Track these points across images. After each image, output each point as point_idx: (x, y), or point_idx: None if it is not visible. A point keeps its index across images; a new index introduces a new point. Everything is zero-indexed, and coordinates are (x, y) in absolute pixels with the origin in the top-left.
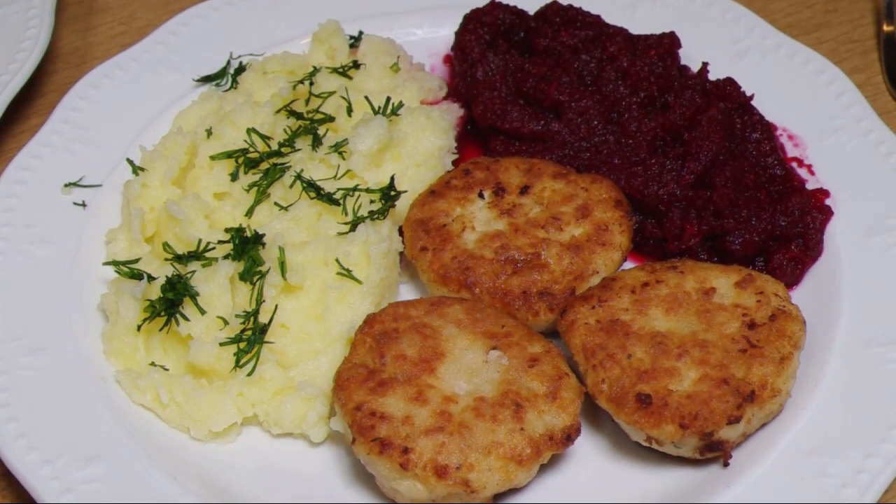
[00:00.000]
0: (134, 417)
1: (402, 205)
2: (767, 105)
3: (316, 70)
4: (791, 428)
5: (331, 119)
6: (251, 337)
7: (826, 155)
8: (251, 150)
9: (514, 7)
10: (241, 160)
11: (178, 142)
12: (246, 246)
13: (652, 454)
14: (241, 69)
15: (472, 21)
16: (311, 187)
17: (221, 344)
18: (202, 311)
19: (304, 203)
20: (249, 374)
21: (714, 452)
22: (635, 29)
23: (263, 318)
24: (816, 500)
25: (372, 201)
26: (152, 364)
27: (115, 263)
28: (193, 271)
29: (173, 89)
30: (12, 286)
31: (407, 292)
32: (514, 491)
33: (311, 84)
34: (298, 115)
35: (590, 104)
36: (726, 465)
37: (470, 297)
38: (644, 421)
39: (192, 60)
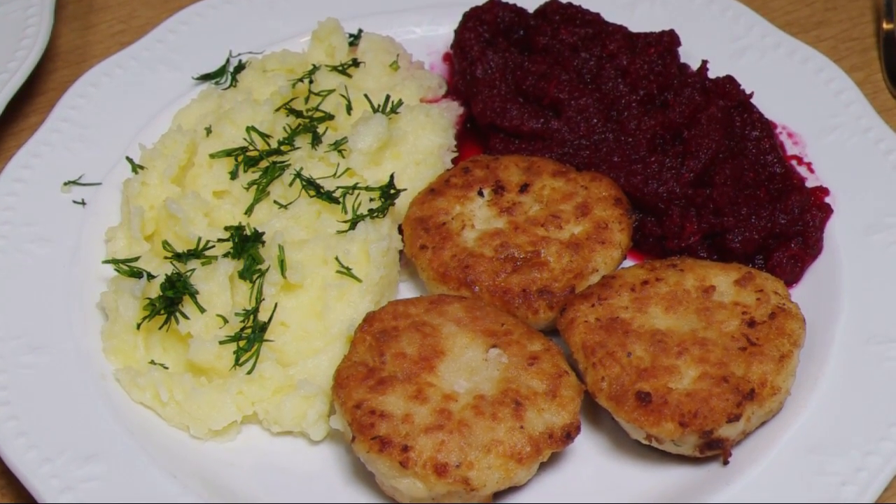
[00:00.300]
0: (133, 416)
1: (402, 203)
2: (767, 103)
3: (315, 68)
4: (791, 426)
5: (330, 117)
6: (251, 335)
7: (825, 153)
8: (251, 148)
9: (514, 5)
10: (240, 158)
11: (177, 140)
12: (245, 244)
13: (652, 452)
14: (240, 67)
15: (471, 19)
16: (311, 185)
17: (221, 342)
18: (202, 310)
19: (303, 201)
20: (249, 373)
21: (714, 450)
22: (635, 27)
23: (263, 317)
24: (816, 498)
25: (371, 199)
26: (152, 362)
27: (114, 262)
28: (193, 269)
29: (173, 87)
30: (12, 284)
31: (406, 290)
32: (513, 489)
33: (311, 82)
34: (298, 114)
35: (589, 102)
36: (726, 463)
37: (469, 295)
38: (644, 419)
39: (191, 59)
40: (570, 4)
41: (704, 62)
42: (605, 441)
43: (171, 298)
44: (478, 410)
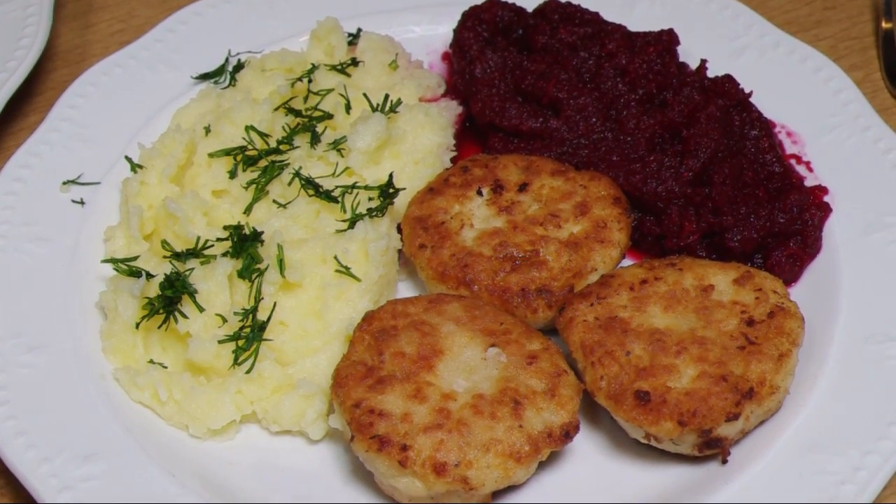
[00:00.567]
0: (132, 415)
1: (401, 202)
2: (766, 102)
3: (314, 67)
4: (789, 425)
5: (329, 116)
6: (250, 334)
7: (824, 152)
8: (250, 147)
9: (513, 4)
10: (239, 158)
11: (176, 139)
12: (244, 243)
13: (650, 451)
14: (239, 67)
15: (470, 18)
16: (310, 185)
17: (220, 341)
18: (201, 309)
19: (302, 200)
20: (248, 372)
21: (712, 449)
22: (634, 26)
23: (262, 316)
24: (815, 497)
25: (370, 198)
26: (151, 362)
27: (113, 261)
28: (192, 269)
29: (172, 87)
30: (11, 284)
31: (405, 290)
32: (512, 488)
33: (310, 81)
34: (297, 113)
35: (588, 101)
36: (725, 462)
37: (468, 294)
38: (642, 418)
39: (190, 58)
40: (568, 4)
41: (703, 61)
42: (604, 440)
43: (170, 298)
44: (477, 409)
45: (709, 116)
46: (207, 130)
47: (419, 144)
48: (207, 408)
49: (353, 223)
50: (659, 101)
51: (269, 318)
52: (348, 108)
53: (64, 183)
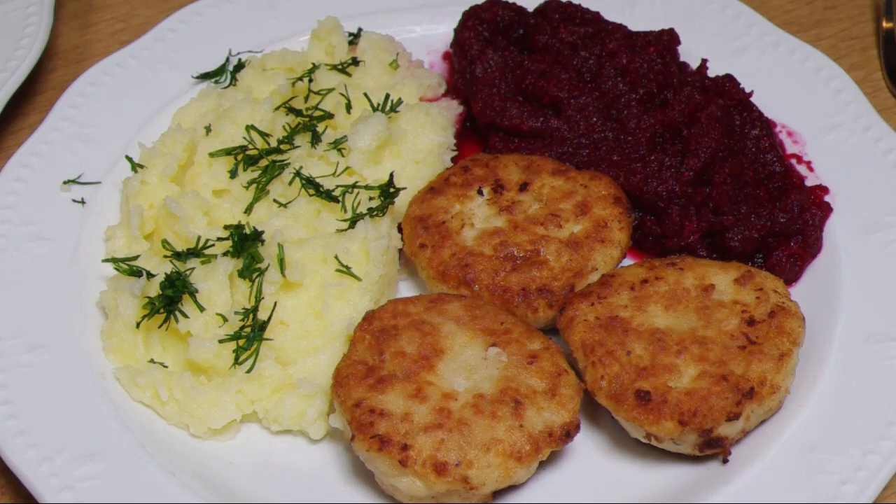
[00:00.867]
0: (133, 414)
1: (402, 202)
2: (766, 102)
3: (315, 67)
4: (790, 425)
5: (330, 116)
6: (250, 334)
7: (825, 151)
8: (250, 147)
9: (514, 4)
10: (240, 157)
11: (177, 139)
12: (245, 243)
13: (651, 451)
14: (239, 66)
15: (471, 18)
16: (311, 184)
17: (220, 341)
18: (201, 308)
19: (303, 200)
20: (248, 371)
21: (713, 449)
22: (634, 26)
23: (262, 315)
24: (816, 497)
25: (371, 198)
26: (151, 361)
27: (114, 260)
28: (192, 268)
29: (172, 86)
30: (11, 283)
31: (406, 289)
32: (513, 488)
33: (311, 81)
34: (297, 112)
35: (589, 101)
36: (725, 461)
37: (469, 293)
38: (643, 418)
39: (190, 57)
40: (569, 3)
41: (704, 61)
42: (605, 440)
43: (171, 297)
44: (477, 409)
45: (709, 116)
46: (208, 130)
47: (420, 144)
48: (208, 407)
49: (353, 223)
50: (659, 101)
51: (269, 318)
52: (349, 107)
53: (64, 182)
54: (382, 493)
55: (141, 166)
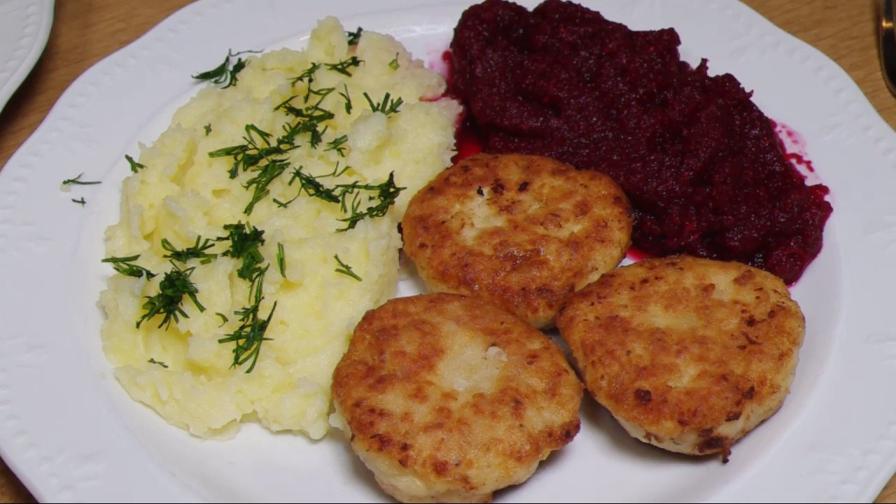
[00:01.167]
0: (133, 414)
1: (401, 201)
2: (766, 102)
3: (315, 67)
4: (790, 424)
5: (330, 116)
6: (250, 334)
7: (825, 151)
8: (250, 146)
9: (513, 3)
10: (240, 157)
11: (176, 139)
12: (245, 243)
13: (651, 451)
14: (239, 66)
15: (471, 17)
16: (310, 184)
17: (220, 341)
18: (201, 308)
19: (303, 200)
20: (248, 371)
21: (713, 449)
22: (634, 25)
23: (262, 315)
24: (816, 496)
25: (371, 198)
26: (151, 361)
27: (114, 260)
28: (192, 268)
29: (172, 86)
30: (11, 283)
31: (406, 289)
32: (513, 487)
33: (310, 81)
34: (297, 112)
35: (589, 101)
36: (725, 461)
37: (469, 293)
38: (643, 417)
39: (190, 57)
40: (569, 3)
41: (704, 61)
42: (605, 439)
43: (171, 297)
44: (477, 409)
45: (709, 116)
46: (208, 130)
47: (420, 144)
48: (208, 407)
49: (353, 222)
50: (659, 101)
51: (269, 318)
52: (349, 107)
53: (64, 182)
54: (382, 493)
55: (141, 166)
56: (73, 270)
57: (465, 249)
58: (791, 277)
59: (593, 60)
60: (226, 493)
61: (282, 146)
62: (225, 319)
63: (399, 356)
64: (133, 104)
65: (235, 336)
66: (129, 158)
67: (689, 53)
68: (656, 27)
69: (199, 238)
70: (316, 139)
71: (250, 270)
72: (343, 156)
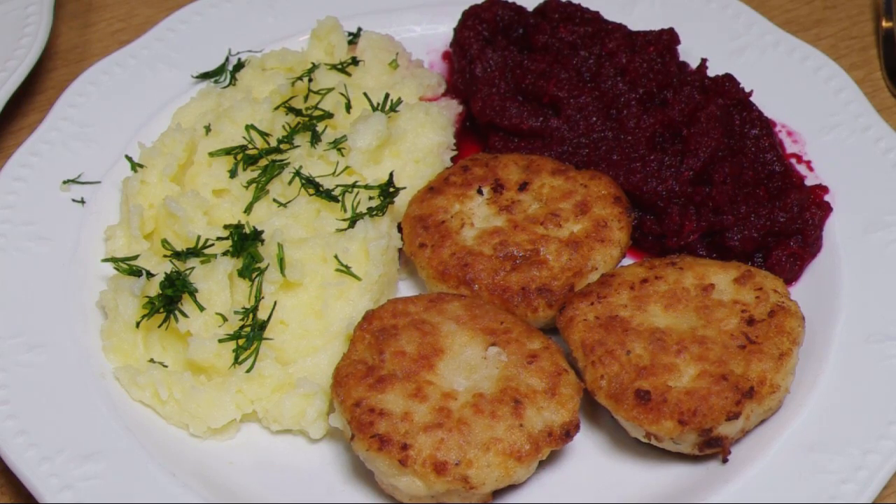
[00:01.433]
0: (133, 414)
1: (401, 201)
2: (766, 101)
3: (315, 67)
4: (790, 424)
5: (329, 116)
6: (250, 333)
7: (825, 151)
8: (250, 146)
9: (513, 3)
10: (239, 157)
11: (176, 139)
12: (245, 242)
13: (651, 450)
14: (239, 66)
15: (470, 17)
16: (310, 184)
17: (220, 340)
18: (201, 308)
19: (302, 200)
20: (248, 371)
21: (713, 448)
22: (634, 25)
23: (262, 315)
24: (815, 496)
25: (371, 198)
26: (151, 361)
27: (113, 260)
28: (192, 268)
29: (172, 86)
30: (11, 283)
31: (406, 289)
32: (512, 487)
33: (310, 81)
34: (297, 112)
35: (588, 101)
36: (725, 461)
37: (469, 293)
38: (643, 417)
39: (190, 57)
40: (569, 3)
41: (704, 60)
42: (605, 439)
43: (171, 297)
44: (477, 409)
45: (709, 116)
46: (208, 129)
47: (419, 143)
48: (208, 407)
49: (353, 222)
50: (659, 101)
51: (269, 318)
52: (349, 107)
53: (64, 182)
54: (382, 492)
55: (141, 166)
56: (73, 270)
57: (464, 249)
58: (791, 277)
59: (593, 60)
60: (226, 493)
61: (281, 146)
62: (225, 319)
63: (399, 356)
64: (133, 104)
65: (235, 336)
66: (128, 158)
67: (689, 53)
68: (656, 27)
69: (198, 238)
70: (316, 139)
71: (250, 270)
72: (343, 156)
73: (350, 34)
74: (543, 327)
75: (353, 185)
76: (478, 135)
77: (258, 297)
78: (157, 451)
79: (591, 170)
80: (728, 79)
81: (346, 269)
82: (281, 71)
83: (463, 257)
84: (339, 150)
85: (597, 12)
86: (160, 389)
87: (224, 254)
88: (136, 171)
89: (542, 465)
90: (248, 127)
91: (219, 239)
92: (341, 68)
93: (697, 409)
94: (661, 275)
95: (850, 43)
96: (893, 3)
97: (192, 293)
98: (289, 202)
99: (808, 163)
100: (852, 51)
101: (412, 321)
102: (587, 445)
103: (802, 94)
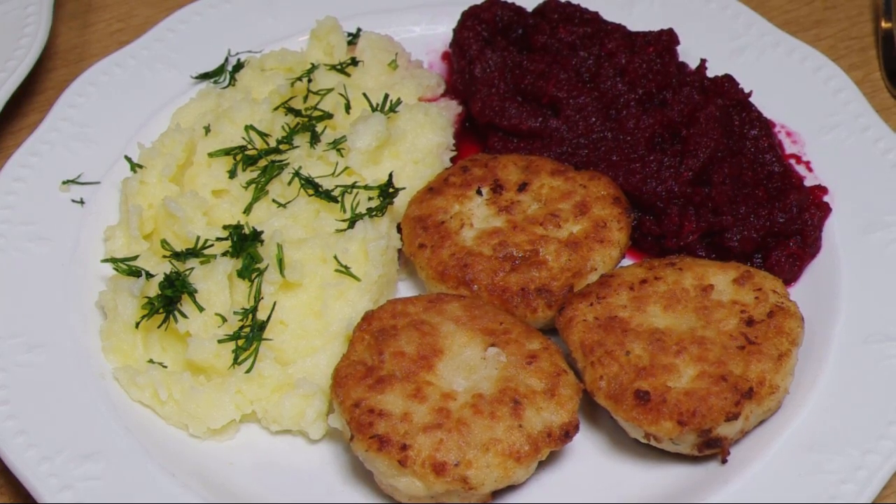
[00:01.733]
0: (132, 414)
1: (401, 202)
2: (765, 102)
3: (314, 67)
4: (789, 424)
5: (329, 116)
6: (249, 334)
7: (824, 152)
8: (249, 147)
9: (513, 4)
10: (239, 157)
11: (176, 139)
12: (244, 243)
13: (650, 451)
14: (239, 66)
15: (470, 18)
16: (310, 184)
17: (220, 341)
18: (200, 309)
19: (302, 200)
20: (248, 371)
21: (712, 449)
22: (633, 26)
23: (262, 315)
24: (815, 496)
25: (370, 198)
26: (151, 361)
27: (113, 260)
28: (192, 268)
29: (171, 86)
30: (11, 283)
31: (405, 289)
32: (512, 488)
33: (310, 81)
34: (297, 112)
35: (588, 101)
36: (724, 461)
37: (468, 293)
38: (642, 418)
39: (190, 57)
40: (568, 3)
41: (703, 61)
42: (604, 440)
43: (170, 297)
44: (476, 409)
45: (708, 116)
46: (207, 130)
47: (419, 144)
48: (207, 407)
49: (352, 223)
50: (658, 101)
51: (268, 318)
52: (348, 107)
53: (64, 182)
54: (382, 493)
55: (140, 166)
56: (73, 270)
57: (464, 250)
58: (790, 278)
59: (592, 61)
60: (225, 494)
61: (281, 146)
62: (224, 320)
63: (398, 356)
64: (132, 104)
65: (235, 336)
66: (128, 159)
67: (689, 53)
68: (655, 27)
69: (198, 238)
70: (315, 139)
71: (249, 271)
72: (342, 156)
73: (349, 34)
74: (543, 328)
75: (353, 186)
76: (477, 135)
77: (258, 298)
78: (157, 452)
79: (590, 170)
80: (727, 79)
81: (345, 270)
82: (280, 71)
83: (462, 258)
84: (338, 150)
85: (596, 13)
86: (160, 390)
87: (223, 254)
88: (135, 171)
89: (542, 465)
90: (248, 127)
91: (218, 239)
92: (341, 69)
93: (697, 409)
94: (660, 275)
95: (850, 43)
96: (893, 4)
97: (192, 294)
98: (288, 203)
99: (807, 163)
100: (852, 51)
101: (411, 322)
102: (586, 446)
103: (802, 94)
